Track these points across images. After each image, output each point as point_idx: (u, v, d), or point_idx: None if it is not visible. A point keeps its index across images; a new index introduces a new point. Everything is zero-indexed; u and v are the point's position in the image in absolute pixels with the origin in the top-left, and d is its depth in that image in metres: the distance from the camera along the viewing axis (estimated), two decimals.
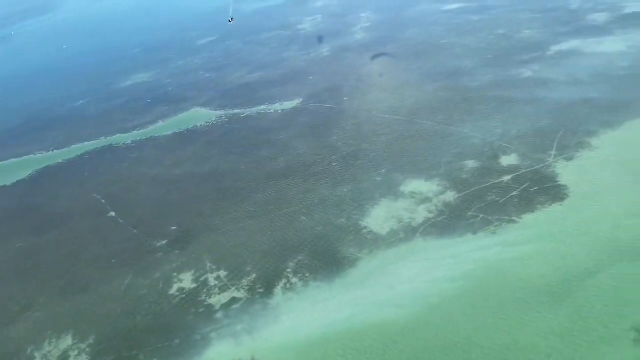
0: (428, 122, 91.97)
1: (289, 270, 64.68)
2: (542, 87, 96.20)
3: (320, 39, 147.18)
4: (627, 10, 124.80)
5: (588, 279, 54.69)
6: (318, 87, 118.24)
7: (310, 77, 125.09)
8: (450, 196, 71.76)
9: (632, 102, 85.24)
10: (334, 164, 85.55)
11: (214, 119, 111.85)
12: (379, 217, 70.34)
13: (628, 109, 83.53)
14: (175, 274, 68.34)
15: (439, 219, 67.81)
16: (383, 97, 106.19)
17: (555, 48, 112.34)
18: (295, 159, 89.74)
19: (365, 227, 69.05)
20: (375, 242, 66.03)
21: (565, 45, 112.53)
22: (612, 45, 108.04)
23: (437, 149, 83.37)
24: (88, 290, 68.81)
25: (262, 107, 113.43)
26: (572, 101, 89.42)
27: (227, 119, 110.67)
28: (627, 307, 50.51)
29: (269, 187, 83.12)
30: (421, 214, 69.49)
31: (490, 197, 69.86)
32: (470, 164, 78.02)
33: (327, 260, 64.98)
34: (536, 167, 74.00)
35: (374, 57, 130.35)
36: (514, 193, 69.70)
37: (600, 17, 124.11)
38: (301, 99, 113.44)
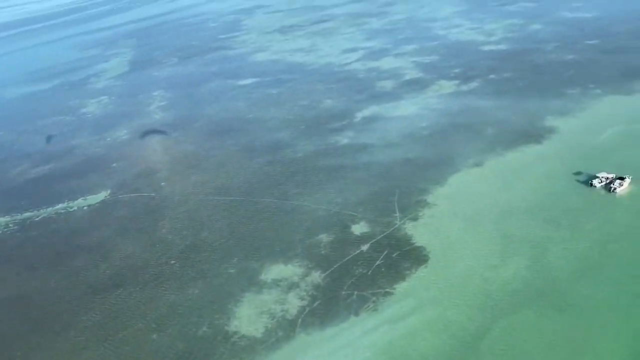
0: (265, 200, 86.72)
1: None
2: (362, 152, 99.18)
3: (48, 139, 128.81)
4: (407, 77, 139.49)
5: (480, 342, 53.90)
6: (127, 174, 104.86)
7: (114, 164, 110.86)
8: (317, 277, 66.60)
9: (444, 158, 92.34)
10: (173, 262, 74.08)
11: None
12: (248, 317, 61.38)
13: (443, 165, 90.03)
14: None
15: (314, 306, 61.75)
16: (207, 177, 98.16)
17: (359, 114, 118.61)
18: (123, 262, 75.62)
19: (236, 332, 59.38)
20: (253, 349, 56.79)
21: (367, 112, 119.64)
22: (407, 108, 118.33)
23: (285, 227, 78.21)
24: None
25: (62, 205, 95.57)
26: (394, 163, 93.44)
27: (17, 226, 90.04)
28: None
29: (97, 304, 67.62)
30: (293, 303, 62.66)
31: (358, 271, 66.61)
32: (324, 237, 74.44)
33: None
34: (388, 232, 73.65)
35: (183, 136, 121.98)
36: (378, 262, 67.65)
37: (387, 84, 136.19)
38: (109, 190, 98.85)
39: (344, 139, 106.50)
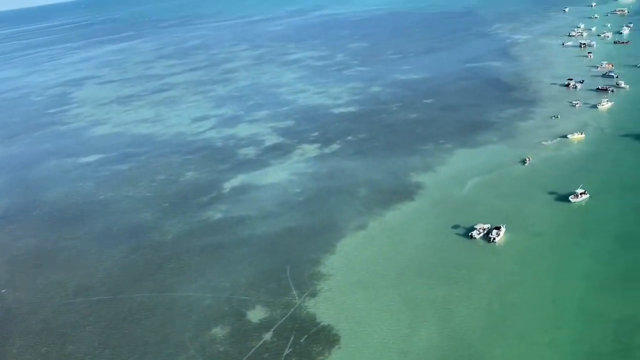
0: (140, 295, 75.60)
1: None
2: (241, 226, 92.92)
3: None
4: (267, 143, 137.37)
5: None
6: None
7: None
8: None
9: (327, 225, 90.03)
10: None
11: None
12: None
13: (328, 232, 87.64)
14: None
15: None
16: (61, 276, 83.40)
17: (227, 185, 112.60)
18: None
19: None
20: None
21: (235, 182, 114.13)
22: (276, 174, 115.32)
23: (170, 325, 68.21)
24: None
25: None
26: (278, 234, 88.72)
27: None
28: None
29: None
30: None
31: None
32: (219, 331, 66.20)
33: None
34: (289, 313, 67.96)
35: (20, 229, 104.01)
36: (287, 351, 61.46)
37: (249, 151, 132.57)
38: None
39: (216, 214, 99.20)
